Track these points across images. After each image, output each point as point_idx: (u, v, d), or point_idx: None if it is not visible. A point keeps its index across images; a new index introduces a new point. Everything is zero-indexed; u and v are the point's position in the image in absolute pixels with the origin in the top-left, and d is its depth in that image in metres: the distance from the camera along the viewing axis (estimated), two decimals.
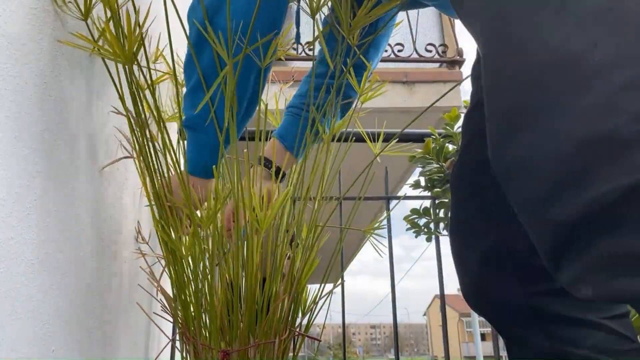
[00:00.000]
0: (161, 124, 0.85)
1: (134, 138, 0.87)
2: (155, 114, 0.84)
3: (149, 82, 0.83)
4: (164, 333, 1.18)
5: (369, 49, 1.05)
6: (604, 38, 0.44)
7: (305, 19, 0.92)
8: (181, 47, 0.89)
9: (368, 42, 0.98)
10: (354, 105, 1.08)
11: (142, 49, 0.79)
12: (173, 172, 0.87)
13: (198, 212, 0.86)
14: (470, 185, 0.80)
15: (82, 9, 0.79)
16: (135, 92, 0.83)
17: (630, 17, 0.44)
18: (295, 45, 1.03)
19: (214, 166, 0.81)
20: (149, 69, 0.84)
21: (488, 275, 0.77)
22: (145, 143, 0.85)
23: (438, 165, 1.40)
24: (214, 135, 0.85)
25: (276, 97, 1.16)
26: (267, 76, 0.89)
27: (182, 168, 0.90)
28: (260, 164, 0.99)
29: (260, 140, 0.86)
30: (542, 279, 0.72)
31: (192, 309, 0.85)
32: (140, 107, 0.84)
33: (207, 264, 0.84)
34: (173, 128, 1.52)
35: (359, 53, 0.97)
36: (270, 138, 1.06)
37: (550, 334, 0.72)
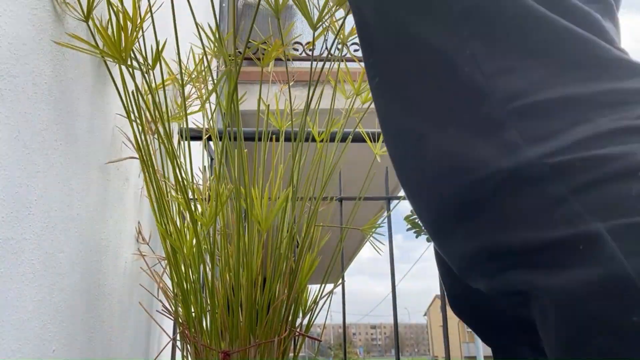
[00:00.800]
0: (164, 124, 0.85)
1: (136, 138, 0.87)
2: (155, 114, 0.84)
3: (149, 81, 0.83)
4: (166, 332, 1.18)
5: None
6: (473, 36, 0.48)
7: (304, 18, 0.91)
8: (182, 48, 0.89)
9: None
10: (352, 105, 1.08)
11: (141, 50, 0.79)
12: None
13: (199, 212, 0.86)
14: None
15: (85, 10, 0.79)
16: (135, 92, 0.83)
17: (493, 17, 0.47)
18: (295, 45, 1.03)
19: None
20: (147, 68, 0.84)
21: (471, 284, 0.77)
22: (147, 143, 0.85)
23: None
24: None
25: (277, 98, 1.16)
26: None
27: (181, 168, 0.90)
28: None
29: (260, 140, 0.86)
30: None
31: (192, 309, 0.85)
32: (140, 107, 0.84)
33: (208, 264, 0.84)
34: (173, 129, 1.52)
35: None
36: (270, 138, 1.06)
37: (535, 345, 0.72)
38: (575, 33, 0.45)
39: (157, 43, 0.81)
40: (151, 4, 0.81)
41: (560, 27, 0.45)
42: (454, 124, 0.47)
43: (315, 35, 0.86)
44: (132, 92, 0.84)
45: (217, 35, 0.81)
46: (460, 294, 0.79)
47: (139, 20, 0.77)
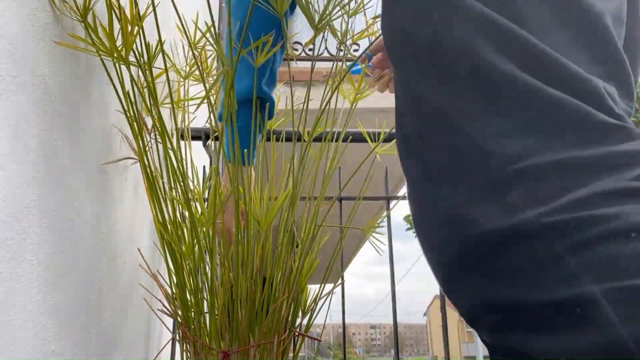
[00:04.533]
0: (163, 123, 0.85)
1: (135, 137, 0.87)
2: (155, 113, 0.84)
3: (149, 80, 0.83)
4: (168, 328, 1.18)
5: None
6: (470, 98, 0.51)
7: (304, 18, 0.92)
8: (181, 47, 0.89)
9: None
10: (355, 106, 1.08)
11: (141, 50, 0.79)
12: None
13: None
14: None
15: (81, 10, 0.79)
16: (133, 92, 0.83)
17: (498, 89, 0.50)
18: (295, 46, 1.04)
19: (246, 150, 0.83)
20: (145, 68, 0.84)
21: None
22: (145, 143, 0.85)
23: None
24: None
25: (278, 98, 1.16)
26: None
27: (183, 168, 0.90)
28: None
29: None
30: None
31: (192, 309, 0.85)
32: (140, 107, 0.84)
33: (208, 263, 0.84)
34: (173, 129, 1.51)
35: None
36: (270, 139, 1.06)
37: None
38: (569, 102, 0.47)
39: (160, 37, 0.81)
40: (153, 3, 0.81)
41: (554, 96, 0.47)
42: (458, 183, 0.50)
43: (312, 36, 0.86)
44: (129, 91, 0.84)
45: (214, 35, 0.81)
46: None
47: (138, 19, 0.77)
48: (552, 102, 0.47)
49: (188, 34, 0.91)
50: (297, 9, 0.94)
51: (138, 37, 0.79)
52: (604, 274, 0.39)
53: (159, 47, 0.82)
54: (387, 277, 1.42)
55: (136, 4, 0.78)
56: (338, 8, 0.80)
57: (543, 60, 0.49)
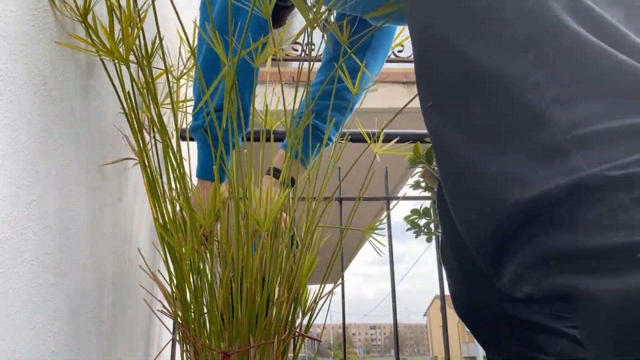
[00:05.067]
0: (163, 123, 0.85)
1: (135, 138, 0.87)
2: (154, 113, 0.84)
3: (150, 80, 0.83)
4: (168, 329, 1.18)
5: (365, 51, 1.08)
6: (534, 64, 0.50)
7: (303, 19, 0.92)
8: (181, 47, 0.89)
9: (361, 43, 1.00)
10: (357, 105, 1.08)
11: (140, 49, 0.79)
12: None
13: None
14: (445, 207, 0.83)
15: (81, 10, 0.79)
16: (133, 92, 0.83)
17: (555, 46, 0.49)
18: (295, 46, 1.04)
19: (215, 167, 0.82)
20: (144, 65, 0.84)
21: (467, 279, 0.80)
22: (145, 143, 0.85)
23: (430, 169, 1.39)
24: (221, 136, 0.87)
25: (278, 98, 1.16)
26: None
27: (183, 168, 0.90)
28: (269, 174, 1.04)
29: (259, 140, 0.86)
30: None
31: (192, 309, 0.85)
32: (140, 107, 0.84)
33: (208, 264, 0.84)
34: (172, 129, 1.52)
35: (350, 52, 0.98)
36: (268, 138, 1.06)
37: (521, 340, 0.73)
38: (632, 66, 0.46)
39: (159, 33, 0.81)
40: (152, 3, 0.81)
41: (618, 60, 0.47)
42: (513, 147, 0.49)
43: (302, 28, 0.86)
44: (129, 92, 0.84)
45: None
46: (463, 295, 0.81)
47: (139, 19, 0.77)
48: (620, 67, 0.47)
49: (186, 34, 0.91)
50: (295, 11, 0.94)
51: (140, 37, 0.79)
52: None
53: (157, 43, 0.82)
54: (387, 277, 1.42)
55: (135, 4, 0.78)
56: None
57: (609, 29, 0.48)
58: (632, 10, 0.53)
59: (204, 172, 1.01)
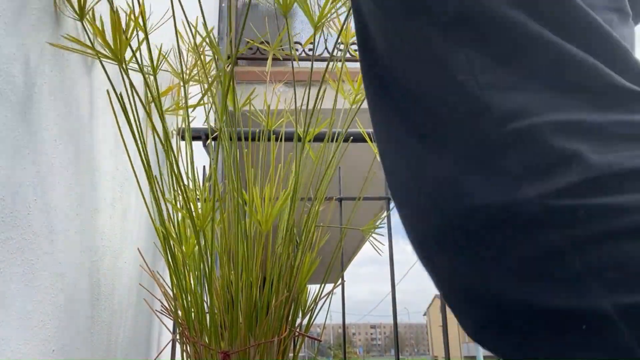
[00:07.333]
0: (164, 123, 0.85)
1: (135, 138, 0.87)
2: (152, 112, 0.84)
3: (152, 83, 0.83)
4: (168, 329, 1.18)
5: None
6: (468, 41, 0.42)
7: (304, 19, 0.92)
8: (183, 46, 0.89)
9: None
10: (359, 107, 1.08)
11: (139, 49, 0.79)
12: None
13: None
14: None
15: (77, 9, 0.79)
16: (133, 92, 0.83)
17: (490, 28, 0.42)
18: (295, 45, 1.04)
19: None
20: (147, 70, 0.84)
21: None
22: (145, 143, 0.85)
23: None
24: None
25: (279, 98, 1.16)
26: None
27: (180, 168, 0.90)
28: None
29: (259, 140, 0.86)
30: None
31: (192, 309, 0.85)
32: (137, 107, 0.84)
33: (208, 264, 0.84)
34: (173, 129, 1.51)
35: None
36: (269, 138, 1.06)
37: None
38: (584, 59, 0.39)
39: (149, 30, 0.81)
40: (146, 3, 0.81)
41: (568, 52, 0.39)
42: (450, 142, 0.42)
43: (312, 35, 0.86)
44: (129, 92, 0.84)
45: (211, 35, 0.81)
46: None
47: (134, 21, 0.77)
48: (572, 58, 0.39)
49: (188, 37, 0.91)
50: (295, 11, 0.94)
51: (137, 37, 0.79)
52: (617, 283, 0.32)
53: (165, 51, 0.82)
54: (379, 277, 1.43)
55: (140, 4, 0.78)
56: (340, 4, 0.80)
57: (567, 10, 0.41)
58: None
59: None
